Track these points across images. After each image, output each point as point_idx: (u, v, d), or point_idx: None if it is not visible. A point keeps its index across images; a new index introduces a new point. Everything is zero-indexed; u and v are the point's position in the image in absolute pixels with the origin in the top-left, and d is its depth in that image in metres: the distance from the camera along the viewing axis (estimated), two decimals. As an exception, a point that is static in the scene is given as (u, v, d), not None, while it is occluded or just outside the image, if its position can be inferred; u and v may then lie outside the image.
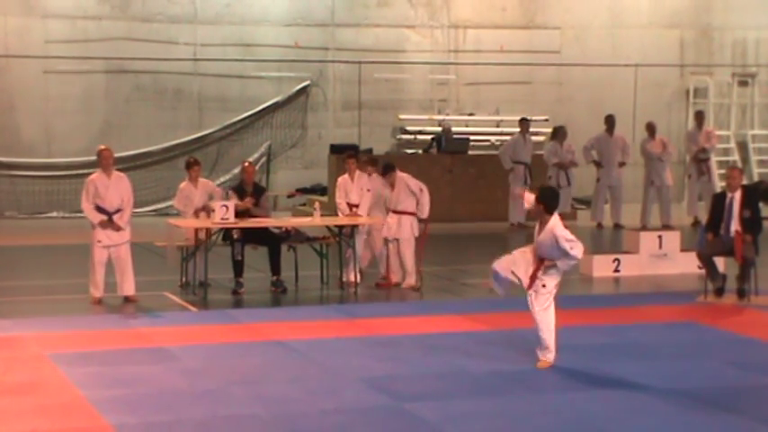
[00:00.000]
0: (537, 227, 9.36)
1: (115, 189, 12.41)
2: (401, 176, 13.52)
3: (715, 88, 24.29)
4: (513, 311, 12.06)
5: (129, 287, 12.44)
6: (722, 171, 20.89)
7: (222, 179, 20.93)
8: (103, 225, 12.33)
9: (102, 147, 12.73)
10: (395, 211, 13.54)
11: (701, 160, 20.44)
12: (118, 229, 12.37)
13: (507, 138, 20.84)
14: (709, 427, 7.83)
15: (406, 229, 13.48)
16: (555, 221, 9.16)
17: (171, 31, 21.94)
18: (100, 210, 12.36)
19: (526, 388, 8.76)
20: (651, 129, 20.22)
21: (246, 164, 13.96)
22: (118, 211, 12.39)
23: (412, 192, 13.48)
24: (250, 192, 13.43)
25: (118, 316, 11.82)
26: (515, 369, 9.34)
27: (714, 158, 23.30)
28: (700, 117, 21.02)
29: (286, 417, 7.99)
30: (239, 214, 12.90)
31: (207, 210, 13.30)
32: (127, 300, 12.44)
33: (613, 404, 8.27)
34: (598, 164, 20.18)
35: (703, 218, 19.58)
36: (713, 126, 23.66)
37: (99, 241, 12.35)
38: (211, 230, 12.83)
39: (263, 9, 22.41)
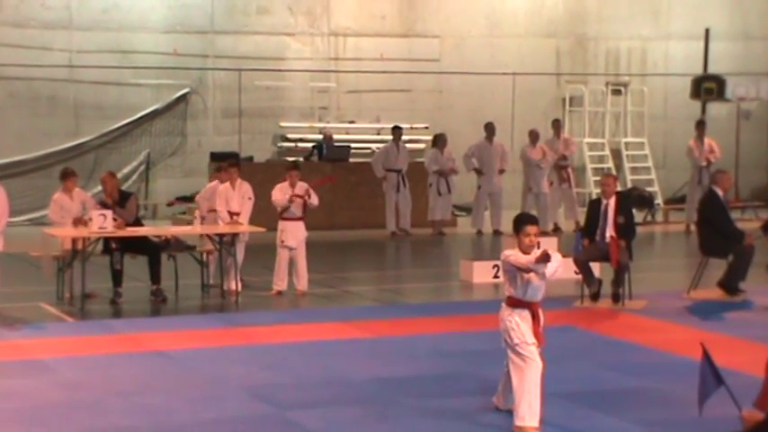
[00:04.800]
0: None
1: None
2: (300, 184, 13.72)
3: (590, 97, 24.80)
4: (395, 319, 12.17)
5: None
6: (597, 178, 21.37)
7: (100, 188, 20.51)
8: None
9: None
10: (291, 219, 13.59)
11: (561, 167, 20.88)
12: None
13: (388, 145, 20.95)
14: (585, 428, 7.99)
15: (303, 235, 13.69)
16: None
17: (45, 37, 21.46)
18: None
19: (408, 394, 8.80)
20: (534, 136, 20.57)
21: (103, 175, 13.75)
22: None
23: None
24: (114, 202, 13.16)
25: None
26: (397, 376, 9.39)
27: (589, 166, 23.91)
28: (557, 125, 21.46)
29: (167, 428, 7.89)
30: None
31: (84, 220, 13.07)
32: None
33: (491, 408, 8.34)
34: (478, 171, 20.42)
35: (563, 224, 20.12)
36: (587, 134, 24.25)
37: None
38: (89, 240, 12.60)
39: (140, 16, 22.08)
